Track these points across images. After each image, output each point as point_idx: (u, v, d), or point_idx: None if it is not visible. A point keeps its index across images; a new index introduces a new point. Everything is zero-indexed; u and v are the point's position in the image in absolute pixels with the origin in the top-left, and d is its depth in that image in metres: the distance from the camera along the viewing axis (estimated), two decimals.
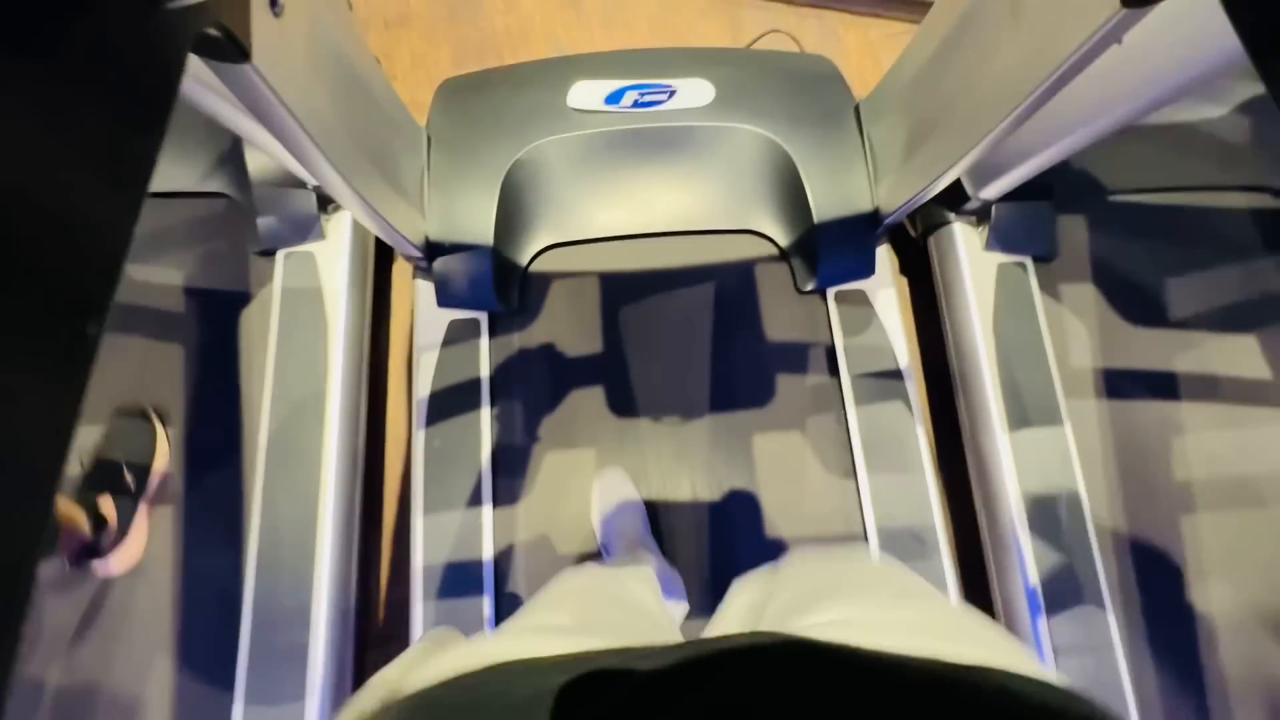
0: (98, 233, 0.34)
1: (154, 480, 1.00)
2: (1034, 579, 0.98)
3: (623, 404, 1.07)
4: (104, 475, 0.96)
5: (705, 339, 1.10)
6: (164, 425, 1.02)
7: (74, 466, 0.97)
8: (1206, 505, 1.04)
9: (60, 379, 0.31)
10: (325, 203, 1.08)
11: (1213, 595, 1.01)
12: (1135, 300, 1.13)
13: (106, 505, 0.94)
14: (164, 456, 1.01)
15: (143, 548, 0.98)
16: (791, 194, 1.08)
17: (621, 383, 1.08)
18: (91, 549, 0.93)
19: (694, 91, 1.08)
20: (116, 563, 0.95)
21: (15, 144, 0.31)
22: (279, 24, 0.56)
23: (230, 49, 0.49)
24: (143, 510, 0.98)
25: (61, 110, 0.33)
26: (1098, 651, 0.96)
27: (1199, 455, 1.06)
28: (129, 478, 0.97)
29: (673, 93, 1.07)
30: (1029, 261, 1.12)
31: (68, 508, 0.92)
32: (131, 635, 0.94)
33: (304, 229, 1.07)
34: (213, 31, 0.46)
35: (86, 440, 0.99)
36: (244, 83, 0.54)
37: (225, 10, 0.47)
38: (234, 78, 0.53)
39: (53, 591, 0.96)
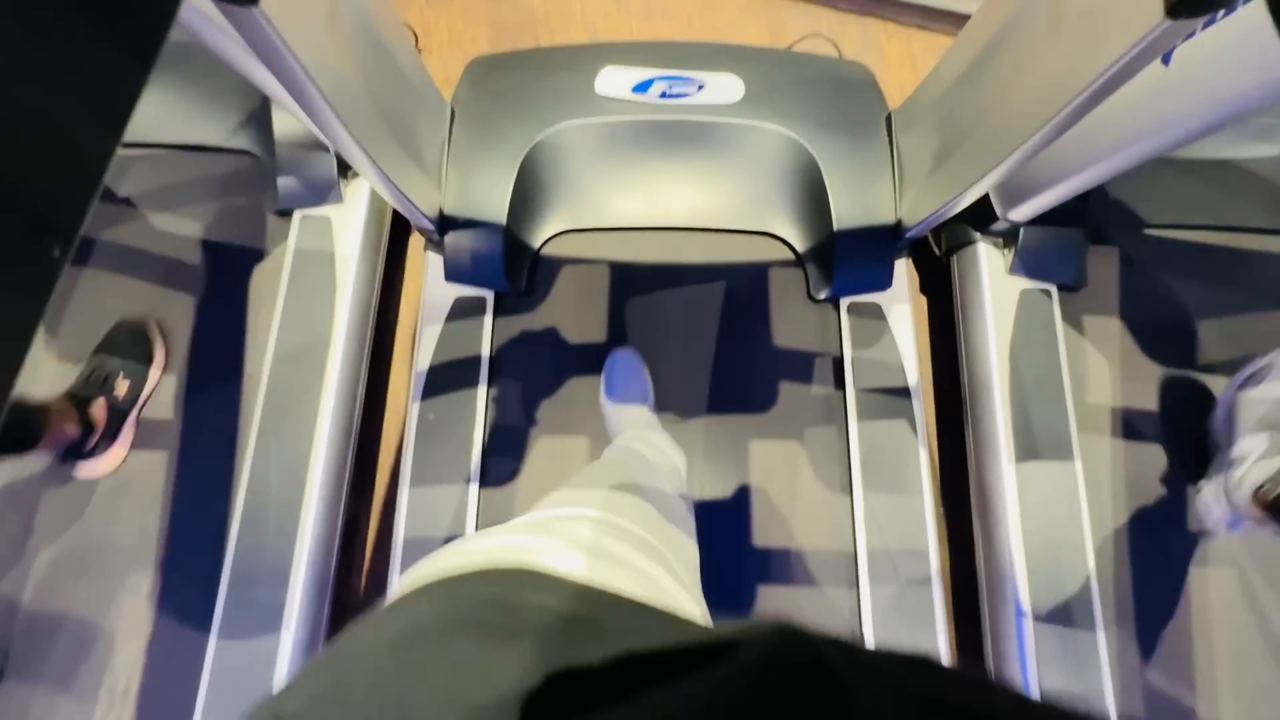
0: (75, 159, 0.34)
1: (147, 390, 1.03)
2: (1027, 616, 0.94)
3: None
4: (100, 380, 0.99)
5: (711, 338, 1.08)
6: (164, 340, 1.06)
7: (72, 368, 1.01)
8: (1214, 556, 0.99)
9: (22, 295, 0.31)
10: (345, 167, 1.08)
11: (1215, 648, 0.96)
12: (1162, 340, 1.09)
13: (98, 409, 0.97)
14: (159, 369, 1.04)
15: (125, 454, 1.01)
16: (813, 199, 1.06)
17: None
18: (76, 450, 0.96)
19: (723, 87, 1.06)
20: (99, 466, 0.99)
21: (5, 63, 0.31)
22: None
23: None
24: (131, 419, 1.01)
25: (51, 34, 0.33)
26: (1087, 699, 0.92)
27: None
28: (123, 386, 1.00)
29: (701, 87, 1.06)
30: (1054, 289, 1.08)
31: (60, 405, 0.94)
32: (113, 574, 0.95)
33: (322, 191, 1.08)
34: None
35: (86, 345, 1.02)
36: (253, 29, 0.53)
37: None
38: (241, 20, 0.52)
39: (34, 488, 0.99)
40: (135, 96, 0.36)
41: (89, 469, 0.99)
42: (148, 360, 1.03)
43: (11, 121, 0.32)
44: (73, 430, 0.94)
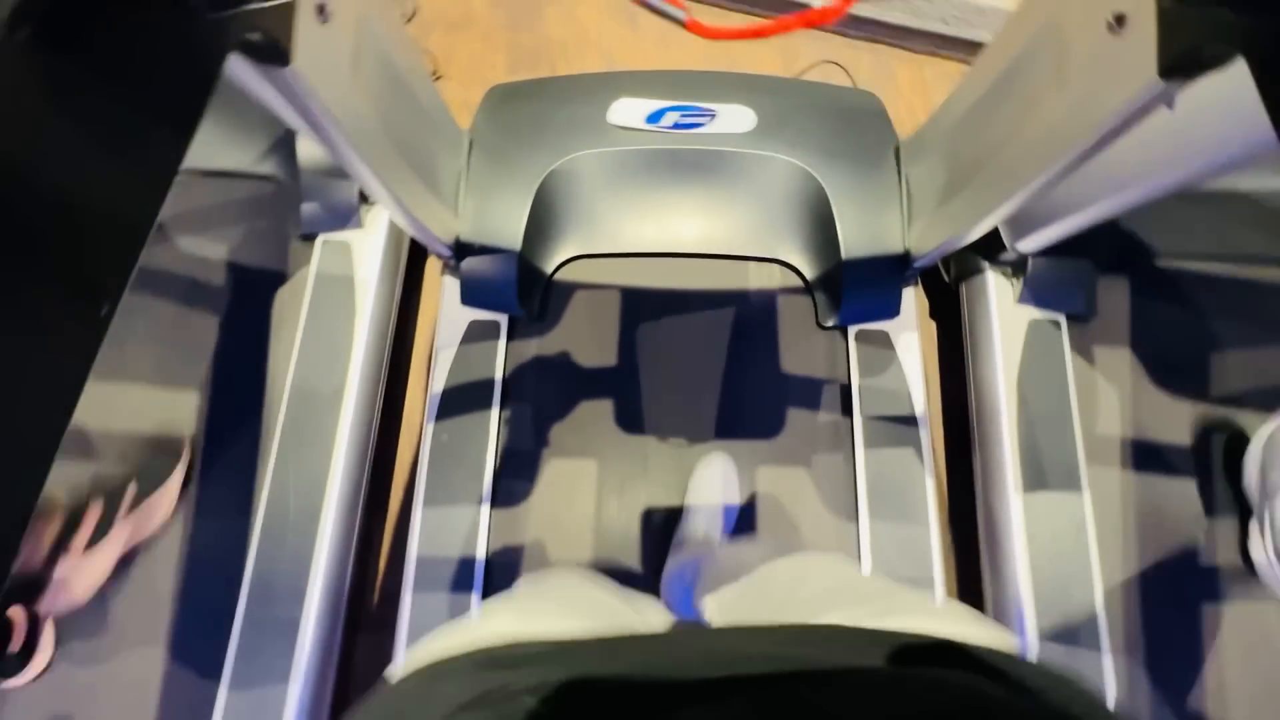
0: (120, 224, 0.36)
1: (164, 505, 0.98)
2: (1034, 646, 0.94)
3: (631, 420, 1.07)
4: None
5: (720, 364, 1.10)
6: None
7: None
8: (1227, 595, 0.99)
9: (71, 354, 0.34)
10: (365, 194, 1.11)
11: (1228, 692, 0.96)
12: (1173, 370, 1.08)
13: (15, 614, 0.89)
14: (179, 478, 0.99)
15: (46, 662, 0.92)
16: (822, 228, 1.07)
17: (632, 399, 1.08)
18: None
19: (735, 117, 1.08)
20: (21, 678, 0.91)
21: (53, 136, 0.33)
22: (325, 30, 0.58)
23: (272, 53, 0.51)
24: (49, 627, 0.93)
25: (97, 107, 0.36)
26: None
27: (1224, 540, 1.01)
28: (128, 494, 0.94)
29: (713, 117, 1.08)
30: (1063, 319, 1.08)
31: None
32: (132, 581, 0.98)
33: (343, 217, 1.11)
34: (255, 36, 0.49)
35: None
36: (285, 84, 0.56)
37: (269, 17, 0.49)
38: (275, 79, 0.55)
39: None
40: (176, 164, 0.39)
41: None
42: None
43: (66, 197, 0.34)
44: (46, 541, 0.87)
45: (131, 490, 0.95)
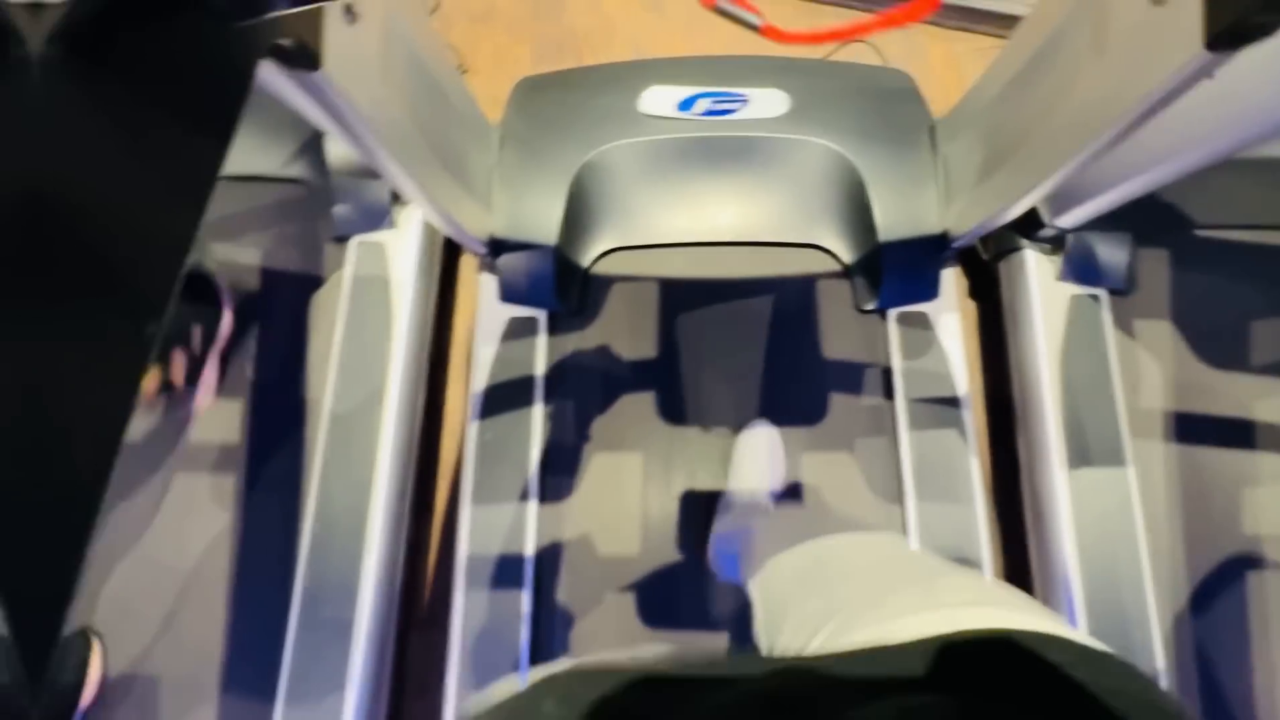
0: (162, 238, 0.36)
1: (221, 335, 1.06)
2: (1083, 624, 0.95)
3: (674, 411, 1.07)
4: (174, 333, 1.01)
5: (761, 351, 1.10)
6: (226, 287, 1.08)
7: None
8: (1277, 566, 0.98)
9: (118, 374, 0.33)
10: (397, 194, 1.11)
11: (1276, 656, 0.96)
12: (1215, 342, 1.08)
13: (176, 364, 1.00)
14: (229, 314, 1.07)
15: (214, 389, 1.05)
16: (858, 211, 1.07)
17: (674, 389, 1.08)
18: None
19: (767, 102, 1.07)
20: (199, 403, 1.04)
21: (92, 152, 0.33)
22: (353, 31, 0.57)
23: (302, 57, 0.51)
24: (212, 361, 1.05)
25: (134, 120, 0.35)
26: None
27: (1272, 512, 1.01)
28: (196, 336, 1.03)
29: (746, 102, 1.07)
30: (1104, 294, 1.08)
31: None
32: (186, 593, 0.99)
33: (376, 218, 1.11)
34: (285, 41, 0.48)
35: None
36: (315, 89, 0.55)
37: (298, 21, 0.48)
38: (307, 83, 0.54)
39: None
40: (214, 175, 0.38)
41: (190, 407, 1.03)
42: (217, 307, 1.06)
43: (105, 214, 0.34)
44: (152, 388, 0.97)
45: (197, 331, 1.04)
